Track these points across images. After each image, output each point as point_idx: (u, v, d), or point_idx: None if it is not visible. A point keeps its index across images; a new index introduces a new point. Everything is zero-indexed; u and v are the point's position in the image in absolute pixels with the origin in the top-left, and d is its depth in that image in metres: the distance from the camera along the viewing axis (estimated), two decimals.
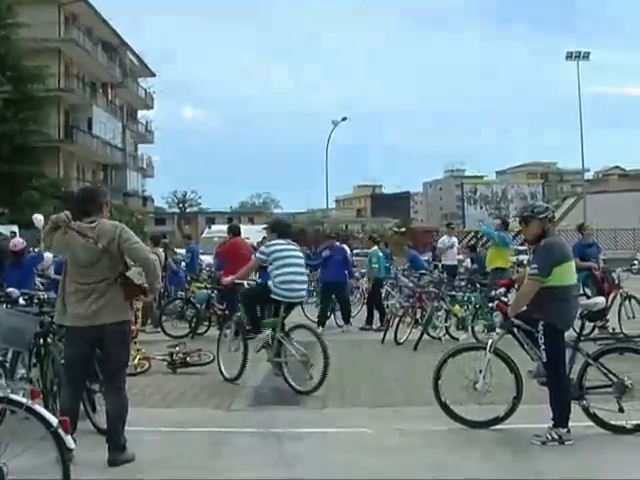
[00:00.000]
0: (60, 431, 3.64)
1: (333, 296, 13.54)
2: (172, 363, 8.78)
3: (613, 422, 5.71)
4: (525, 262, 7.07)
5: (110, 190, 39.80)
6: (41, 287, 10.24)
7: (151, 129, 57.50)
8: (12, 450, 3.68)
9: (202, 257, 18.69)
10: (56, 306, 5.40)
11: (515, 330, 5.92)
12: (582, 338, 6.02)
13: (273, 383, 7.84)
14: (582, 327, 6.07)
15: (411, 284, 13.23)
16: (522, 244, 22.28)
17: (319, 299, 14.09)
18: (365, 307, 14.33)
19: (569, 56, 47.39)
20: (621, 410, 5.68)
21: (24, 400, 3.74)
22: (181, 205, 79.44)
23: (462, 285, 12.73)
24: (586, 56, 47.55)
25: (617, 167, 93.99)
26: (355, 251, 27.11)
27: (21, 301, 6.67)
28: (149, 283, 5.25)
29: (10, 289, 7.18)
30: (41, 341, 5.86)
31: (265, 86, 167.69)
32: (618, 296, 11.63)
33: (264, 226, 13.88)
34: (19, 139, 31.29)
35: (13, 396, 3.82)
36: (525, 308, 5.84)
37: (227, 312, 11.44)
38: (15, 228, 19.83)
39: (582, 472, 4.91)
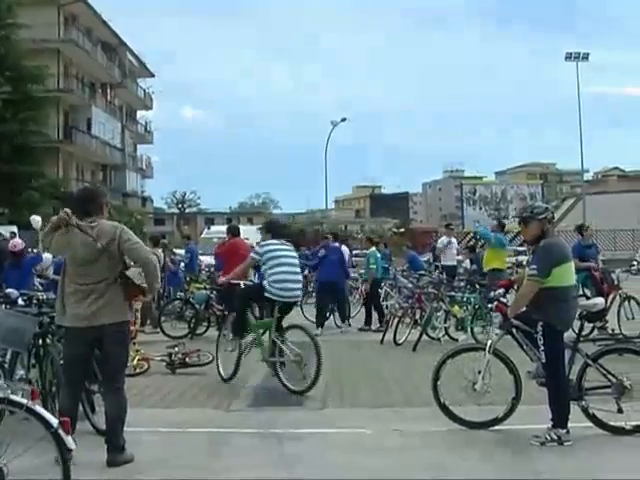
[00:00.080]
0: (60, 432, 3.64)
1: (332, 296, 13.54)
2: (171, 364, 8.78)
3: (612, 423, 5.72)
4: (524, 263, 7.08)
5: (109, 190, 39.74)
6: (40, 288, 10.24)
7: (150, 129, 57.59)
8: (12, 451, 3.67)
9: (201, 257, 18.70)
10: (55, 307, 5.40)
11: (514, 331, 5.92)
12: (581, 339, 6.02)
13: (272, 383, 7.84)
14: (581, 328, 6.07)
15: (410, 285, 13.23)
16: (521, 245, 22.30)
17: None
18: (364, 308, 14.34)
19: (568, 57, 47.48)
20: (620, 411, 5.68)
21: (24, 401, 3.74)
22: (180, 205, 79.37)
23: (461, 286, 12.73)
24: (585, 57, 47.68)
25: (616, 168, 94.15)
26: (354, 252, 27.15)
27: (20, 302, 6.66)
28: (148, 284, 5.26)
29: (9, 290, 7.17)
30: (40, 342, 5.86)
31: (265, 86, 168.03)
32: (617, 297, 11.62)
33: (259, 226, 13.88)
34: (19, 139, 31.29)
35: (13, 397, 3.81)
36: (524, 309, 5.85)
37: (226, 312, 11.44)
38: (14, 229, 19.83)
39: (581, 473, 4.92)
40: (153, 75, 56.18)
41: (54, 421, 3.66)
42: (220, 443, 5.72)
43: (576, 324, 5.98)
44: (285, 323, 8.06)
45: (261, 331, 8.05)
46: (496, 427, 5.95)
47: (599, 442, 5.58)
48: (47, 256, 10.54)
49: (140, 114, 57.12)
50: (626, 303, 11.68)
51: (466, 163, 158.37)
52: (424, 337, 10.91)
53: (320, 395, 7.41)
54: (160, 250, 13.62)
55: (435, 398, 6.11)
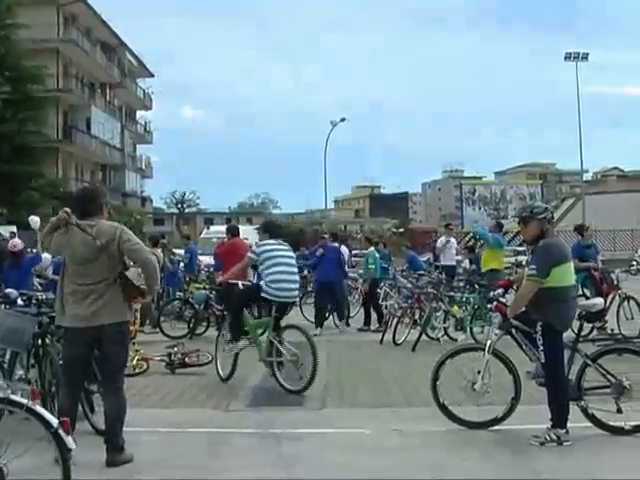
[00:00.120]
0: (60, 432, 3.64)
1: (331, 296, 13.53)
2: (170, 364, 8.78)
3: (611, 423, 5.72)
4: (524, 263, 7.08)
5: (109, 190, 39.77)
6: (39, 288, 10.24)
7: (150, 129, 57.61)
8: (12, 451, 3.68)
9: (200, 258, 18.68)
10: (55, 307, 5.40)
11: (513, 331, 5.92)
12: (581, 339, 6.02)
13: (271, 384, 7.83)
14: (580, 328, 6.07)
15: (409, 285, 13.23)
16: (521, 245, 22.30)
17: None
18: (363, 308, 14.33)
19: (568, 57, 47.51)
20: (619, 411, 5.69)
21: (24, 401, 3.74)
22: (180, 206, 79.32)
23: (461, 286, 12.74)
24: (585, 57, 47.71)
25: (616, 168, 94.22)
26: (354, 252, 27.15)
27: (19, 302, 6.66)
28: (148, 285, 5.26)
29: (9, 290, 7.17)
30: (39, 342, 5.86)
31: (265, 86, 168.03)
32: (617, 297, 11.63)
33: (256, 227, 13.92)
34: (18, 139, 31.30)
35: (13, 397, 3.82)
36: (524, 309, 5.85)
37: (225, 312, 11.45)
38: (14, 229, 19.82)
39: (580, 473, 4.92)
40: (153, 75, 56.28)
41: (54, 421, 3.67)
42: (219, 443, 5.72)
43: (575, 324, 5.98)
44: (283, 323, 8.06)
45: (259, 331, 8.06)
46: (495, 427, 5.95)
47: (598, 442, 5.58)
48: (46, 256, 10.53)
49: (139, 114, 57.22)
50: (625, 303, 11.68)
51: (466, 163, 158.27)
52: (423, 337, 10.91)
53: (319, 395, 7.41)
54: (159, 250, 13.63)
55: (434, 398, 6.11)
